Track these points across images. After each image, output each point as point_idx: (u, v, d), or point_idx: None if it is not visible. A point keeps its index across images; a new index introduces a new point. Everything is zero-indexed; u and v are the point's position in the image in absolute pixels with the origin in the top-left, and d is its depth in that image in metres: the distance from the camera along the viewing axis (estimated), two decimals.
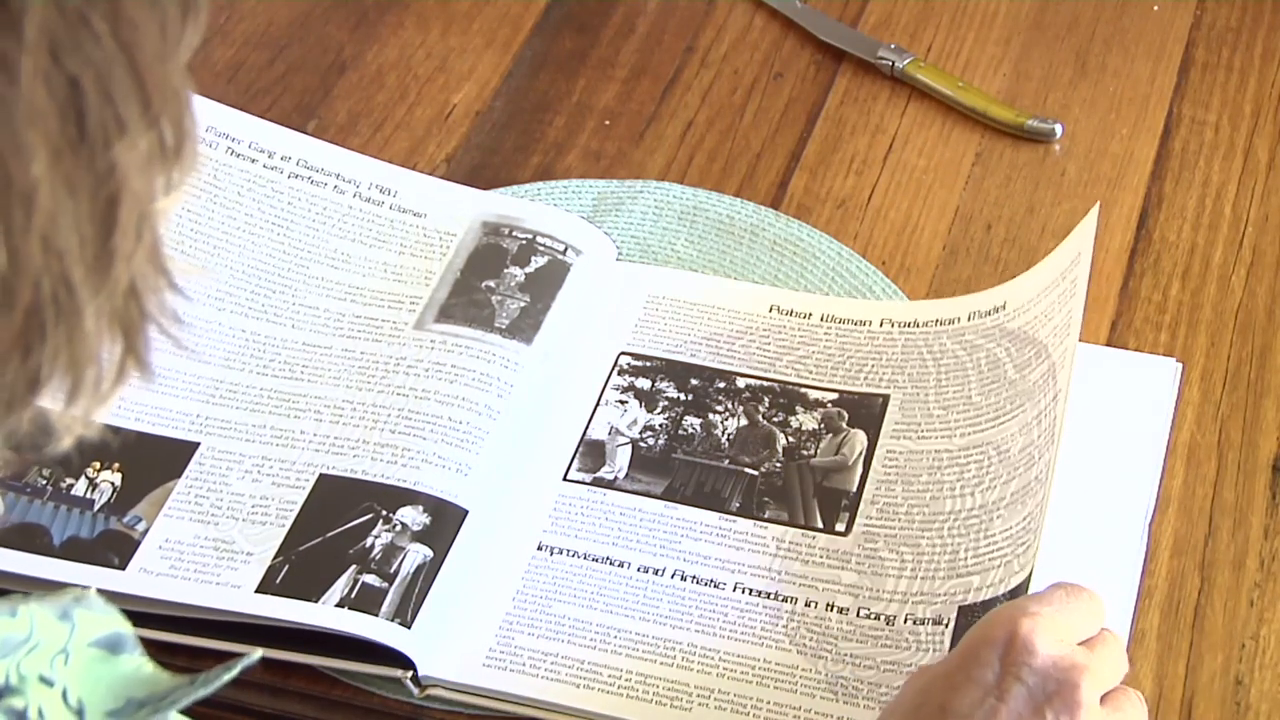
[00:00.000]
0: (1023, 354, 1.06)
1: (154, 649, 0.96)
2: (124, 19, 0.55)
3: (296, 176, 1.18)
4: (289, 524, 1.01)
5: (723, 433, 1.07)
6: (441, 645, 0.96)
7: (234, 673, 0.79)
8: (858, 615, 0.98)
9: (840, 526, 1.02)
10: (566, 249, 1.14)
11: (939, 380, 1.07)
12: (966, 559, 0.99)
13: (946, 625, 0.96)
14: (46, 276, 0.55)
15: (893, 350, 1.09)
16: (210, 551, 0.99)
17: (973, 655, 0.83)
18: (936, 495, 1.02)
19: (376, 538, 0.99)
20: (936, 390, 1.07)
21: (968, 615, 0.96)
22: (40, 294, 0.55)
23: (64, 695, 0.72)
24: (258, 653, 0.83)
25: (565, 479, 1.04)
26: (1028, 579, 0.94)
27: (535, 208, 1.17)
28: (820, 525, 1.02)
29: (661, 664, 0.96)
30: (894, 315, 1.11)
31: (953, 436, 1.05)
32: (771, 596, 0.99)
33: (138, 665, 0.75)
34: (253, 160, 1.18)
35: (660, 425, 1.07)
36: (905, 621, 0.97)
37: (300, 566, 0.98)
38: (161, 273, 0.60)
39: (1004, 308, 1.09)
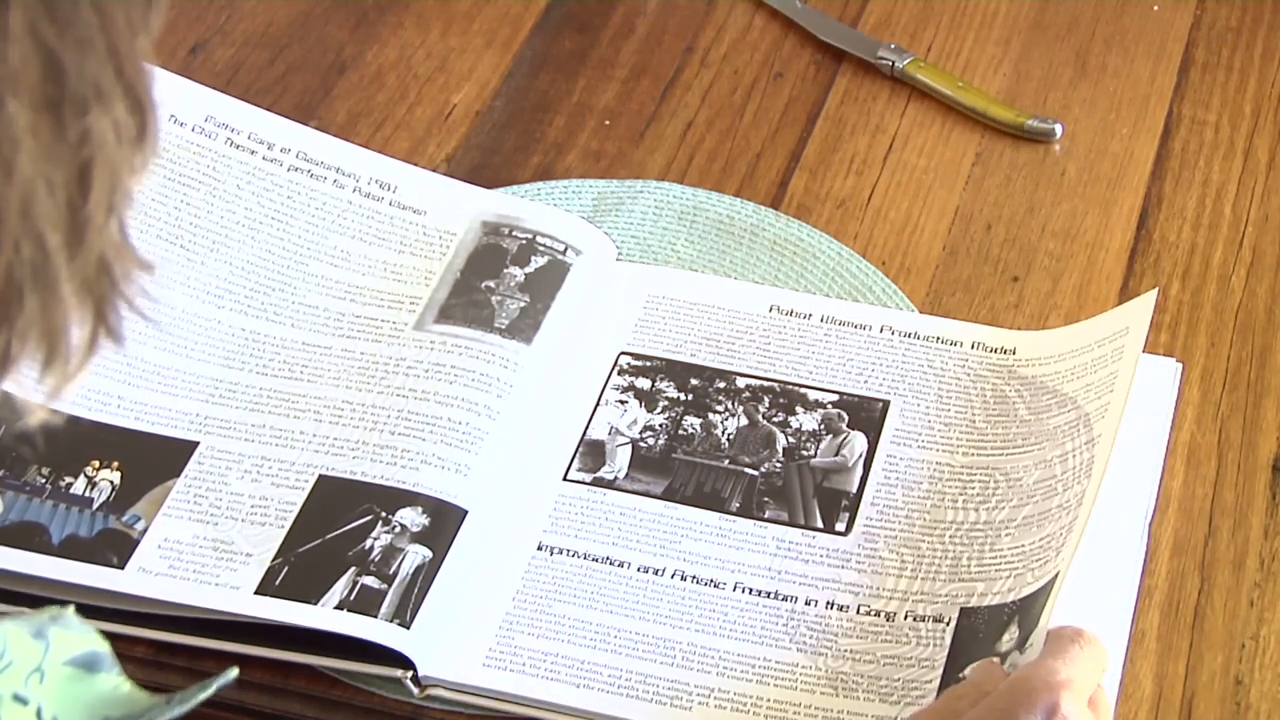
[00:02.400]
0: (1038, 400, 1.06)
1: (153, 648, 0.97)
2: None
3: (296, 169, 1.18)
4: (288, 525, 1.00)
5: (723, 433, 1.06)
6: (441, 645, 0.96)
7: (209, 691, 0.79)
8: (857, 612, 0.98)
9: (840, 526, 1.02)
10: (566, 249, 1.14)
11: (940, 396, 1.07)
12: (970, 566, 0.99)
13: (947, 624, 0.96)
14: (25, 240, 0.56)
15: (893, 357, 1.09)
16: (209, 552, 0.99)
17: None
18: (938, 504, 1.02)
19: (376, 539, 0.99)
20: (938, 405, 1.07)
21: (970, 617, 0.96)
22: (18, 258, 0.56)
23: (38, 713, 0.72)
24: (233, 671, 0.84)
25: (565, 479, 1.04)
26: (1047, 585, 0.94)
27: (535, 207, 1.17)
28: (820, 525, 1.02)
29: (662, 663, 0.96)
30: (895, 323, 1.11)
31: (955, 453, 1.04)
32: (771, 596, 0.99)
33: (115, 685, 0.75)
34: (252, 152, 1.18)
35: (660, 425, 1.07)
36: (905, 618, 0.97)
37: (300, 568, 0.98)
38: (129, 252, 0.60)
39: (1014, 352, 1.09)
